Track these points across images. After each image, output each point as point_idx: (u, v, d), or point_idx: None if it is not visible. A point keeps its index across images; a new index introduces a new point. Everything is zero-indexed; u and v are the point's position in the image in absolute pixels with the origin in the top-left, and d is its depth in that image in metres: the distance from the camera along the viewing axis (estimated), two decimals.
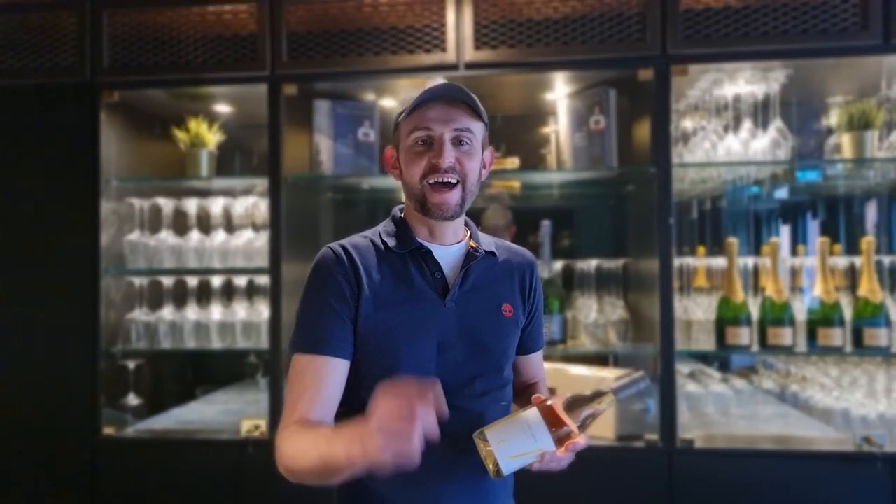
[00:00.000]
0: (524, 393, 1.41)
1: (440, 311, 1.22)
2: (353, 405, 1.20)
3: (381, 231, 1.28)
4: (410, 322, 1.20)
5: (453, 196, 1.19)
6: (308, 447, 1.07)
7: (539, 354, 1.42)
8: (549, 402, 1.12)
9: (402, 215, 1.30)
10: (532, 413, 1.10)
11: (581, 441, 1.10)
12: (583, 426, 1.11)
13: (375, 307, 1.19)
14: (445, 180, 1.18)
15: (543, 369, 1.46)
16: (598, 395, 1.13)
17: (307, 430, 1.10)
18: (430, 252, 1.24)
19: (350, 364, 1.20)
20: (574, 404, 1.12)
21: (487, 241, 1.33)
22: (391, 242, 1.24)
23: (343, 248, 1.23)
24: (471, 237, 1.31)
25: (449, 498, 1.20)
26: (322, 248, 1.25)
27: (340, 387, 1.18)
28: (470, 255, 1.26)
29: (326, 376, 1.16)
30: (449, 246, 1.27)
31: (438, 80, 1.24)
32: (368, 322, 1.19)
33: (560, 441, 1.09)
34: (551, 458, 1.10)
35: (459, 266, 1.25)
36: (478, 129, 1.23)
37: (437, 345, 1.20)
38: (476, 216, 2.79)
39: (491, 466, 1.09)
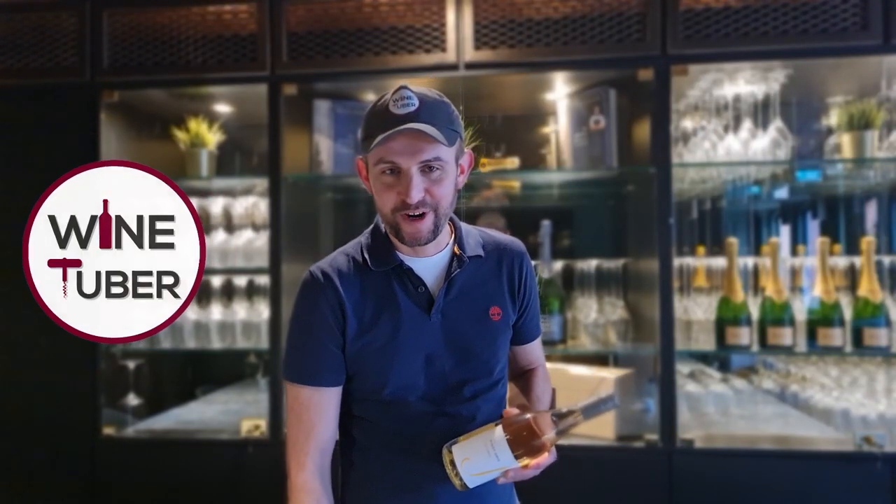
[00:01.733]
0: (521, 378, 1.42)
1: (425, 325, 1.21)
2: (345, 415, 1.26)
3: (363, 245, 1.25)
4: (396, 341, 1.19)
5: (426, 224, 1.15)
6: None
7: (535, 343, 1.40)
8: (518, 419, 1.13)
9: (384, 228, 1.25)
10: (496, 432, 1.11)
11: (543, 460, 1.12)
12: (550, 442, 1.13)
13: (360, 330, 1.20)
14: (416, 213, 1.13)
15: (542, 355, 1.45)
16: (566, 414, 1.14)
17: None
18: (411, 269, 1.21)
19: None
20: (543, 421, 1.12)
21: (474, 242, 1.28)
22: (371, 261, 1.22)
23: (324, 274, 1.22)
24: (456, 239, 1.27)
25: (442, 499, 1.21)
26: (305, 273, 1.25)
27: (336, 406, 1.23)
28: (454, 264, 1.23)
29: (328, 408, 1.21)
30: (431, 257, 1.23)
31: (407, 84, 1.14)
32: (355, 345, 1.20)
33: (523, 456, 1.10)
34: (515, 474, 1.12)
35: (444, 275, 1.23)
36: (448, 153, 1.14)
37: (424, 358, 1.20)
38: (472, 219, 2.79)
39: (456, 481, 1.13)
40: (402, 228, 1.15)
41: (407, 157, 1.11)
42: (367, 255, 1.23)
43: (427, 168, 1.12)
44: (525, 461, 1.11)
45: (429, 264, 1.23)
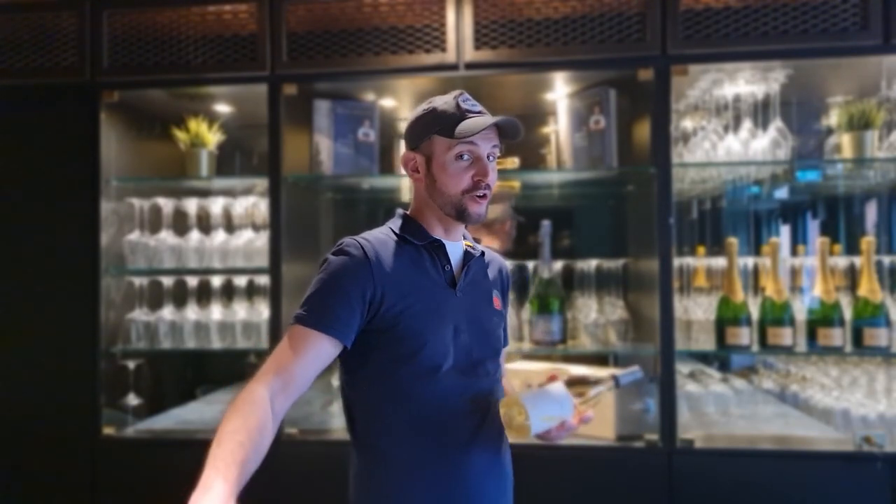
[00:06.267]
0: None
1: (452, 299, 1.32)
2: (387, 389, 1.28)
3: (393, 227, 1.36)
4: (432, 307, 1.29)
5: (486, 203, 1.32)
6: (221, 428, 1.10)
7: (504, 350, 1.51)
8: (568, 379, 1.31)
9: (412, 215, 1.38)
10: (560, 385, 1.29)
11: (587, 415, 1.28)
12: (585, 404, 1.30)
13: (401, 293, 1.26)
14: (484, 193, 1.30)
15: (504, 365, 1.56)
16: (600, 380, 1.34)
17: (232, 418, 1.10)
18: (443, 246, 1.34)
19: (376, 346, 1.27)
20: (579, 384, 1.32)
21: (476, 244, 1.45)
22: (410, 237, 1.33)
23: (366, 240, 1.30)
24: (465, 237, 1.43)
25: (469, 466, 1.29)
26: (344, 238, 1.30)
27: (323, 363, 1.23)
28: (469, 254, 1.38)
29: (312, 350, 1.20)
30: (457, 242, 1.39)
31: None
32: (396, 307, 1.25)
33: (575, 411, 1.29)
34: (569, 426, 1.27)
35: (461, 262, 1.37)
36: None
37: (452, 329, 1.30)
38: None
39: (520, 423, 1.24)
40: (469, 207, 1.30)
41: (485, 142, 1.30)
42: (400, 233, 1.34)
43: (489, 155, 1.32)
44: (575, 416, 1.28)
45: (455, 248, 1.37)
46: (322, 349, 1.21)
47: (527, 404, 1.24)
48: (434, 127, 1.30)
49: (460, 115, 1.29)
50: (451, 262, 1.35)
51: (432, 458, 1.27)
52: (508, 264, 1.55)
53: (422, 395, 1.27)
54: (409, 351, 1.26)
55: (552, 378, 1.31)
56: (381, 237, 1.32)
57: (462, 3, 2.34)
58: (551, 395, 1.27)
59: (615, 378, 1.35)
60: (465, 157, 1.29)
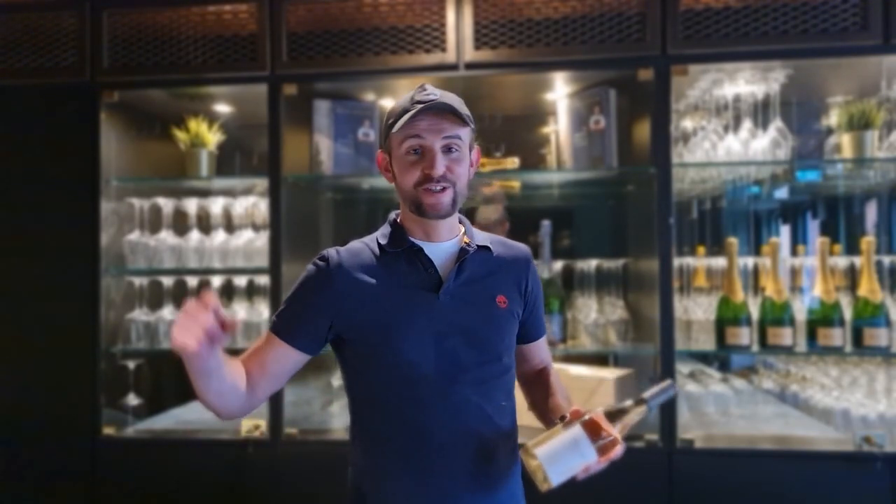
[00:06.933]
0: (536, 381, 1.46)
1: (434, 304, 1.27)
2: (366, 395, 1.31)
3: (378, 235, 1.35)
4: (404, 317, 1.26)
5: (446, 197, 1.26)
6: None
7: (542, 341, 1.48)
8: (588, 416, 1.18)
9: (398, 220, 1.37)
10: (577, 430, 1.16)
11: (620, 449, 1.17)
12: (621, 434, 1.19)
13: (369, 303, 1.27)
14: (438, 188, 1.25)
15: (549, 354, 1.52)
16: (632, 406, 1.21)
17: None
18: (421, 249, 1.30)
19: (353, 354, 1.31)
20: (611, 415, 1.19)
21: (482, 237, 1.39)
22: (385, 244, 1.32)
23: (338, 253, 1.31)
24: (465, 234, 1.37)
25: (454, 487, 1.25)
26: (326, 249, 1.33)
27: (282, 366, 1.29)
28: (463, 251, 1.32)
29: (271, 353, 1.28)
30: (443, 243, 1.33)
31: (427, 83, 1.31)
32: (366, 322, 1.27)
33: (600, 451, 1.16)
34: (594, 467, 1.16)
35: (454, 261, 1.31)
36: (465, 134, 1.29)
37: (434, 336, 1.26)
38: (471, 213, 2.80)
39: (541, 477, 1.16)
40: (424, 201, 1.26)
41: (432, 134, 1.24)
42: (380, 241, 1.33)
43: (447, 148, 1.26)
44: (601, 454, 1.16)
45: (439, 249, 1.32)
46: (288, 357, 1.28)
47: (544, 462, 1.16)
48: (388, 121, 1.29)
49: (410, 107, 1.25)
50: (438, 263, 1.30)
51: (410, 462, 1.26)
52: None
53: (399, 401, 1.26)
54: (384, 360, 1.26)
55: (574, 415, 1.18)
56: (359, 246, 1.33)
57: (462, 3, 2.34)
58: (569, 445, 1.16)
59: (646, 402, 1.22)
60: (417, 150, 1.25)
